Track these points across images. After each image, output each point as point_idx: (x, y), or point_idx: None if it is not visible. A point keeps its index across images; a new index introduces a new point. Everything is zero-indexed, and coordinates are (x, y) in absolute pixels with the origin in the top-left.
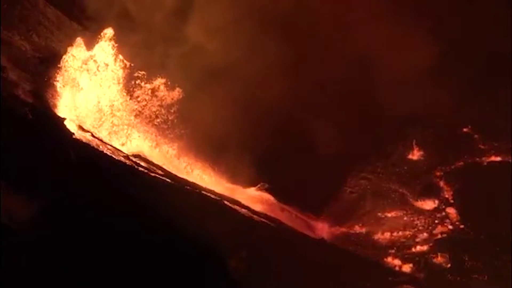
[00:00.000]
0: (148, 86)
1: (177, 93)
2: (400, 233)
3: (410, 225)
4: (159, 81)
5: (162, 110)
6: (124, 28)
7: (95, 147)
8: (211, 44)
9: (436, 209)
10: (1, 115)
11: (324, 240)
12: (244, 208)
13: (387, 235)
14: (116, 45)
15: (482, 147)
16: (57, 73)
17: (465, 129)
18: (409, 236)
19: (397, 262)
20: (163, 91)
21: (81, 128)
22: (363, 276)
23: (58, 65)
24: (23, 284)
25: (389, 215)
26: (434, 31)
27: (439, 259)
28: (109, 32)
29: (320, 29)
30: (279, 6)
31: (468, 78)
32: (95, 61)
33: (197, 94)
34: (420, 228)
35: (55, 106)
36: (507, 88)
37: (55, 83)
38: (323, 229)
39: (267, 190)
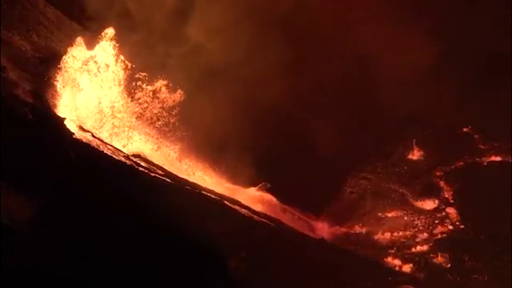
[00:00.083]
0: (150, 87)
1: (178, 95)
2: (400, 233)
3: (410, 225)
4: (160, 83)
5: (164, 112)
6: (125, 28)
7: (95, 147)
8: (212, 44)
9: (436, 209)
10: (1, 115)
11: (324, 240)
12: (244, 208)
13: (387, 235)
14: (117, 45)
15: (482, 147)
16: (57, 73)
17: (465, 129)
18: (409, 236)
19: (397, 262)
20: (164, 93)
21: (81, 128)
22: (363, 276)
23: (58, 65)
24: (23, 284)
25: (389, 215)
26: (434, 31)
27: (439, 259)
28: (110, 32)
29: (320, 29)
30: (279, 6)
31: (468, 78)
32: (95, 62)
33: (198, 95)
34: (420, 228)
35: (55, 106)
36: (507, 88)
37: (55, 83)
38: (323, 229)
39: (268, 190)
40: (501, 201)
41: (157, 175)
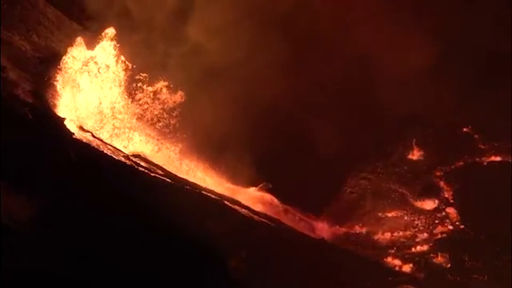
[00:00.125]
0: (150, 89)
1: (179, 97)
2: (400, 233)
3: (410, 225)
4: (161, 84)
5: (164, 114)
6: (125, 28)
7: (95, 147)
8: (212, 44)
9: (436, 209)
10: (1, 115)
11: (324, 240)
12: (244, 208)
13: (387, 235)
14: (117, 45)
15: (482, 147)
16: (57, 73)
17: (465, 129)
18: (409, 236)
19: (397, 262)
20: (165, 94)
21: (81, 128)
22: (363, 276)
23: (58, 65)
24: (23, 284)
25: (389, 215)
26: (434, 31)
27: (439, 259)
28: (110, 32)
29: (320, 29)
30: (279, 6)
31: (468, 78)
32: (95, 62)
33: (198, 95)
34: (420, 228)
35: (55, 106)
36: (507, 88)
37: (55, 83)
38: (323, 229)
39: (269, 191)
40: (501, 201)
41: (157, 175)
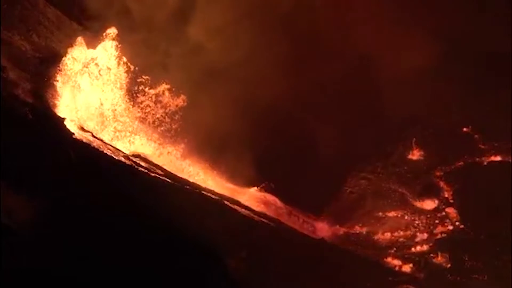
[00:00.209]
0: (152, 91)
1: (181, 101)
2: (400, 233)
3: (410, 225)
4: (163, 87)
5: (166, 118)
6: (127, 28)
7: (96, 147)
8: (214, 44)
9: (436, 209)
10: (1, 115)
11: (324, 240)
12: (244, 208)
13: (387, 235)
14: (119, 45)
15: (482, 147)
16: (57, 73)
17: (465, 129)
18: (409, 236)
19: (397, 262)
20: (167, 97)
21: (81, 128)
22: (363, 276)
23: (58, 66)
24: (23, 284)
25: (389, 215)
26: (434, 31)
27: (439, 259)
28: (111, 32)
29: (320, 29)
30: (280, 6)
31: (468, 78)
32: (96, 64)
33: (200, 97)
34: (420, 228)
35: (55, 106)
36: (507, 88)
37: (55, 83)
38: (323, 229)
39: (272, 191)
40: (501, 201)
41: (157, 175)
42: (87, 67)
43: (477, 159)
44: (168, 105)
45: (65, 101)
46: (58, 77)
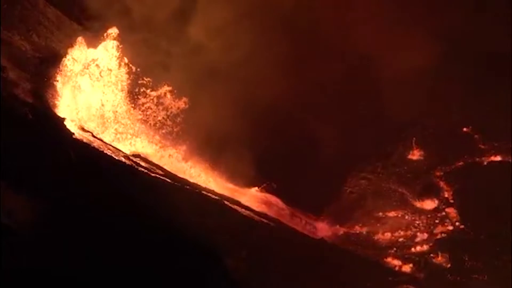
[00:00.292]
0: (154, 93)
1: (183, 103)
2: (401, 233)
3: (410, 225)
4: (165, 89)
5: (168, 120)
6: (127, 28)
7: (96, 147)
8: (215, 44)
9: (436, 209)
10: (1, 115)
11: (324, 240)
12: (244, 208)
13: (387, 235)
14: (120, 46)
15: (482, 147)
16: (57, 73)
17: (465, 129)
18: (409, 236)
19: (397, 262)
20: (169, 99)
21: (82, 128)
22: (363, 276)
23: (58, 66)
24: (23, 284)
25: (389, 215)
26: (434, 31)
27: (439, 259)
28: (112, 32)
29: (321, 29)
30: (281, 6)
31: (468, 78)
32: (97, 65)
33: (201, 98)
34: (420, 228)
35: (55, 106)
36: (507, 88)
37: (55, 83)
38: (323, 229)
39: (273, 191)
40: (501, 201)
41: (157, 175)
42: (87, 68)
43: (477, 159)
44: (169, 107)
45: (66, 102)
46: (58, 77)
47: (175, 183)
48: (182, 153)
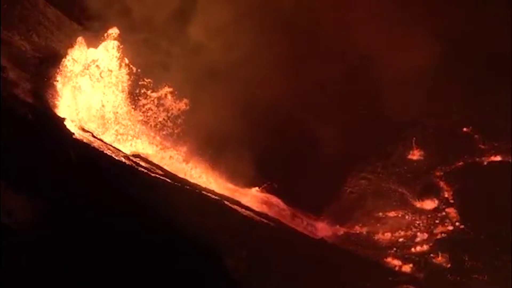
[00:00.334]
0: (154, 95)
1: (183, 104)
2: (401, 233)
3: (410, 225)
4: (165, 90)
5: (169, 122)
6: (128, 28)
7: (96, 147)
8: (217, 45)
9: (436, 209)
10: (1, 115)
11: (324, 240)
12: (245, 208)
13: (387, 235)
14: (121, 46)
15: (482, 147)
16: (57, 74)
17: (465, 129)
18: (409, 236)
19: (397, 262)
20: (169, 100)
21: (81, 128)
22: (363, 276)
23: (58, 66)
24: (23, 284)
25: (389, 215)
26: (434, 31)
27: (439, 259)
28: (113, 32)
29: (321, 29)
30: (281, 6)
31: (468, 78)
32: (97, 66)
33: (202, 98)
34: (420, 228)
35: (55, 106)
36: (507, 88)
37: (55, 83)
38: (323, 229)
39: (274, 192)
40: (501, 201)
41: (157, 175)
42: (87, 69)
43: (477, 159)
44: (170, 108)
45: (66, 102)
46: (58, 78)
47: (175, 183)
48: (182, 154)
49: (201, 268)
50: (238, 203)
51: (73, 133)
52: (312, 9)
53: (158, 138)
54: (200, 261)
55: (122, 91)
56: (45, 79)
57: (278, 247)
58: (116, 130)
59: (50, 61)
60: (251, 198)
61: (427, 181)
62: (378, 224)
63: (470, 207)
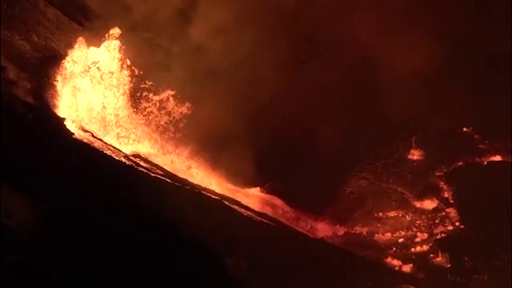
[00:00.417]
0: (156, 98)
1: (185, 108)
2: (401, 233)
3: (410, 225)
4: (167, 93)
5: (171, 126)
6: (129, 29)
7: (96, 147)
8: (219, 46)
9: (436, 209)
10: (1, 115)
11: (324, 240)
12: (245, 208)
13: (388, 235)
14: (123, 47)
15: (482, 147)
16: (57, 74)
17: (465, 129)
18: (409, 236)
19: (397, 262)
20: (171, 104)
21: (82, 128)
22: (363, 276)
23: (58, 66)
24: (23, 284)
25: (389, 215)
26: (434, 31)
27: (439, 259)
28: (114, 32)
29: (321, 28)
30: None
31: (468, 78)
32: (98, 68)
33: (204, 100)
34: (420, 228)
35: (55, 106)
36: (507, 88)
37: (55, 83)
38: (323, 229)
39: (276, 192)
40: (501, 201)
41: (157, 175)
42: (88, 71)
43: (477, 159)
44: (172, 112)
45: (66, 102)
46: (58, 78)
47: (175, 183)
48: (184, 159)
49: (201, 268)
50: (238, 203)
51: (73, 133)
52: (313, 9)
53: (159, 142)
54: (200, 261)
55: (123, 94)
56: (45, 79)
57: (278, 247)
58: (117, 133)
59: (50, 61)
60: (255, 199)
61: (427, 181)
62: (378, 224)
63: (470, 207)
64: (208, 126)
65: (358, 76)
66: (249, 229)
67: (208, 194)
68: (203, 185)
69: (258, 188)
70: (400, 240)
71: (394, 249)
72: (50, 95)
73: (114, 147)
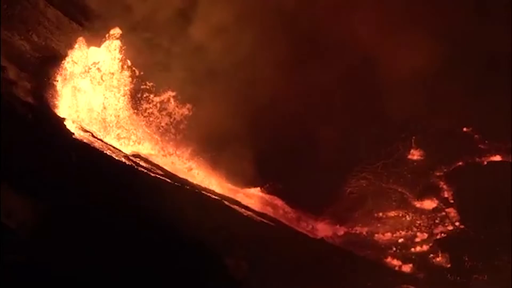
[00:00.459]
0: (157, 99)
1: (186, 110)
2: (401, 233)
3: (410, 225)
4: (168, 94)
5: (171, 127)
6: (130, 29)
7: (96, 147)
8: (220, 46)
9: (436, 209)
10: (1, 115)
11: (324, 240)
12: (245, 208)
13: (387, 235)
14: (123, 47)
15: (482, 147)
16: (57, 74)
17: (465, 129)
18: (409, 236)
19: (397, 262)
20: (172, 105)
21: (82, 128)
22: (363, 276)
23: (58, 66)
24: (23, 284)
25: (389, 215)
26: (434, 31)
27: (439, 259)
28: (114, 32)
29: (321, 28)
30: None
31: (468, 78)
32: (98, 69)
33: (205, 101)
34: (420, 228)
35: (55, 106)
36: (507, 88)
37: (55, 83)
38: (323, 229)
39: (277, 193)
40: (501, 201)
41: (157, 175)
42: (88, 72)
43: (477, 159)
44: (173, 113)
45: (66, 102)
46: (58, 78)
47: (175, 183)
48: (185, 160)
49: (201, 268)
50: (238, 203)
51: (73, 133)
52: (313, 9)
53: (160, 143)
54: (200, 261)
55: (124, 95)
56: (45, 79)
57: (278, 247)
58: (118, 134)
59: (50, 61)
60: (255, 199)
61: (427, 181)
62: (378, 224)
63: (470, 207)
64: (208, 126)
65: (358, 76)
66: (249, 229)
67: (208, 194)
68: (203, 185)
69: (258, 188)
70: (400, 240)
71: (394, 249)
72: (50, 95)
73: (114, 147)
